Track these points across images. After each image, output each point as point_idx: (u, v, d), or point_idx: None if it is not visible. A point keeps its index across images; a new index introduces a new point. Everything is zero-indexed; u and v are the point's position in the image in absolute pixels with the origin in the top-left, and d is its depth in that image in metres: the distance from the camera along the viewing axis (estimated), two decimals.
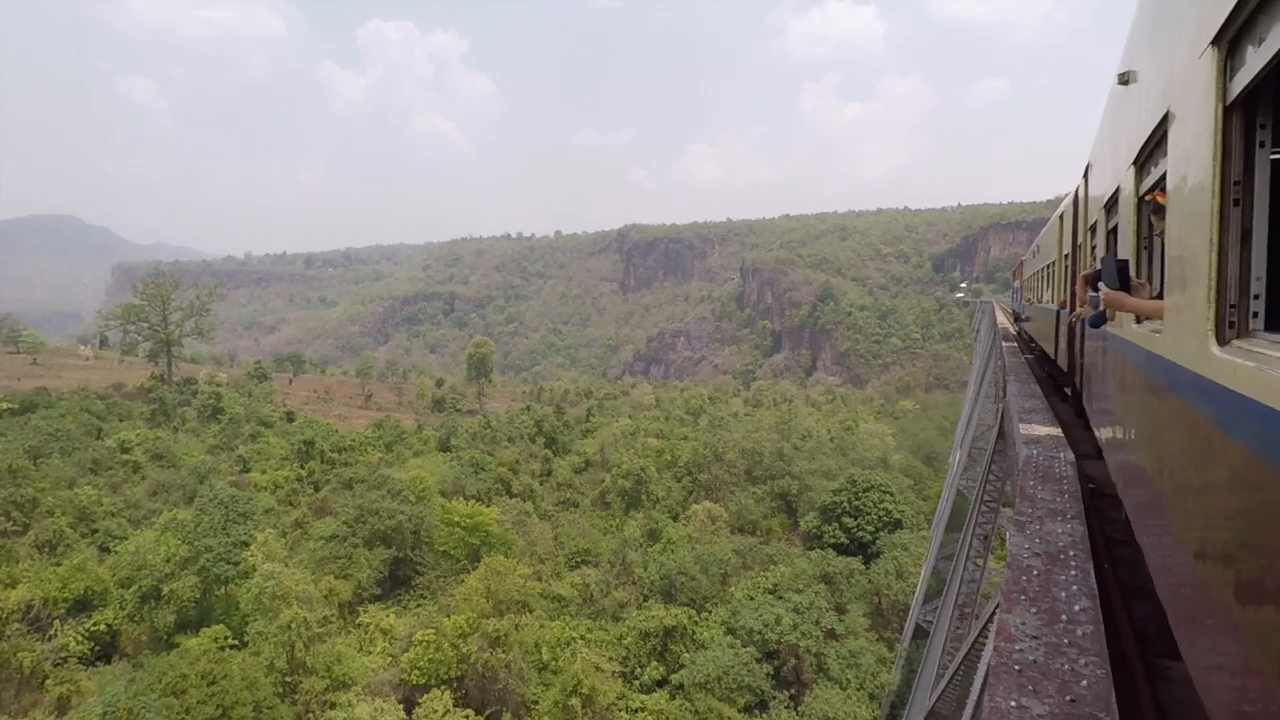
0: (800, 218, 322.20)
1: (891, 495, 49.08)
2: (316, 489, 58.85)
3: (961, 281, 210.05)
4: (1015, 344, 21.43)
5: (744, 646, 30.33)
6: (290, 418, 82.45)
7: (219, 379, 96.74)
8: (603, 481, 63.47)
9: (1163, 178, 3.71)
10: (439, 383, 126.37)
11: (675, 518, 53.68)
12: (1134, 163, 4.62)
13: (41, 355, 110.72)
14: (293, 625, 27.94)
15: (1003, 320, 32.26)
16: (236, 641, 31.01)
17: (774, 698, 28.72)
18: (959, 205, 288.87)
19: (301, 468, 62.33)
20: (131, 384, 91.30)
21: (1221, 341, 2.47)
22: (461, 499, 48.19)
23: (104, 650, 32.86)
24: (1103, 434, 5.97)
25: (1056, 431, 7.21)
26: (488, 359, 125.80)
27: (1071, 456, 5.98)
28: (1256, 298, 2.44)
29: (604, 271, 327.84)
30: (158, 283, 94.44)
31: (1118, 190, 5.66)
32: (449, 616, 30.79)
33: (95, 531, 43.54)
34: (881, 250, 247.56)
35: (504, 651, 28.03)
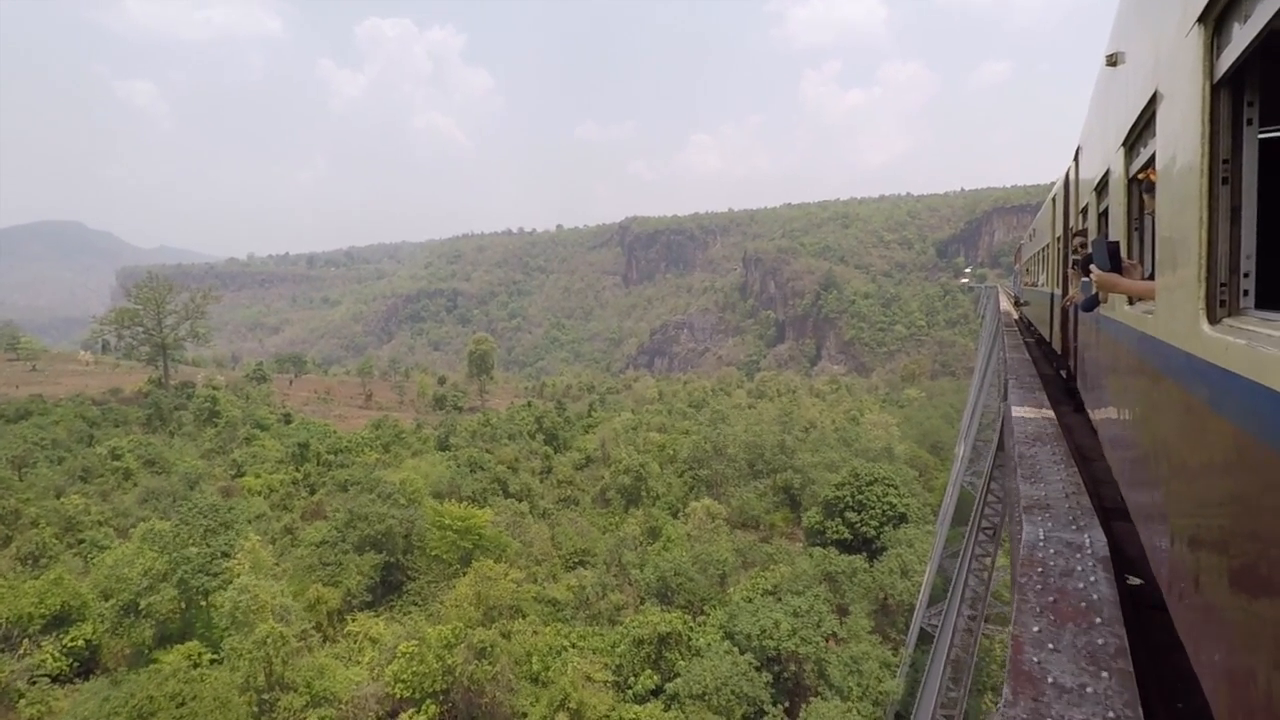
0: (802, 206, 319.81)
1: (896, 488, 47.67)
2: (312, 492, 57.94)
3: (966, 267, 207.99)
4: (1017, 332, 20.05)
5: (741, 654, 29.08)
6: (288, 419, 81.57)
7: (217, 382, 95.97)
8: (602, 478, 62.41)
9: (1152, 159, 3.64)
10: (441, 380, 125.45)
11: (676, 514, 52.52)
12: (1123, 144, 4.57)
13: (41, 361, 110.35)
14: (269, 640, 26.85)
15: (1006, 305, 30.93)
16: (217, 657, 30.00)
17: (767, 713, 27.40)
18: (962, 190, 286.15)
19: (296, 470, 61.41)
20: (129, 389, 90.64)
21: (1213, 320, 2.46)
22: (456, 500, 47.11)
23: (84, 667, 31.90)
24: (1097, 415, 5.90)
25: (1074, 478, 5.00)
26: (488, 355, 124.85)
27: (1101, 543, 3.86)
28: (1246, 276, 2.42)
29: (606, 265, 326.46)
30: (151, 286, 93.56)
31: (1108, 172, 5.56)
32: (434, 627, 29.64)
33: (81, 542, 42.65)
34: (884, 237, 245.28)
35: (490, 663, 26.88)
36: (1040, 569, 3.54)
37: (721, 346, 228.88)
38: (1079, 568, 3.53)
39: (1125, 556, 4.19)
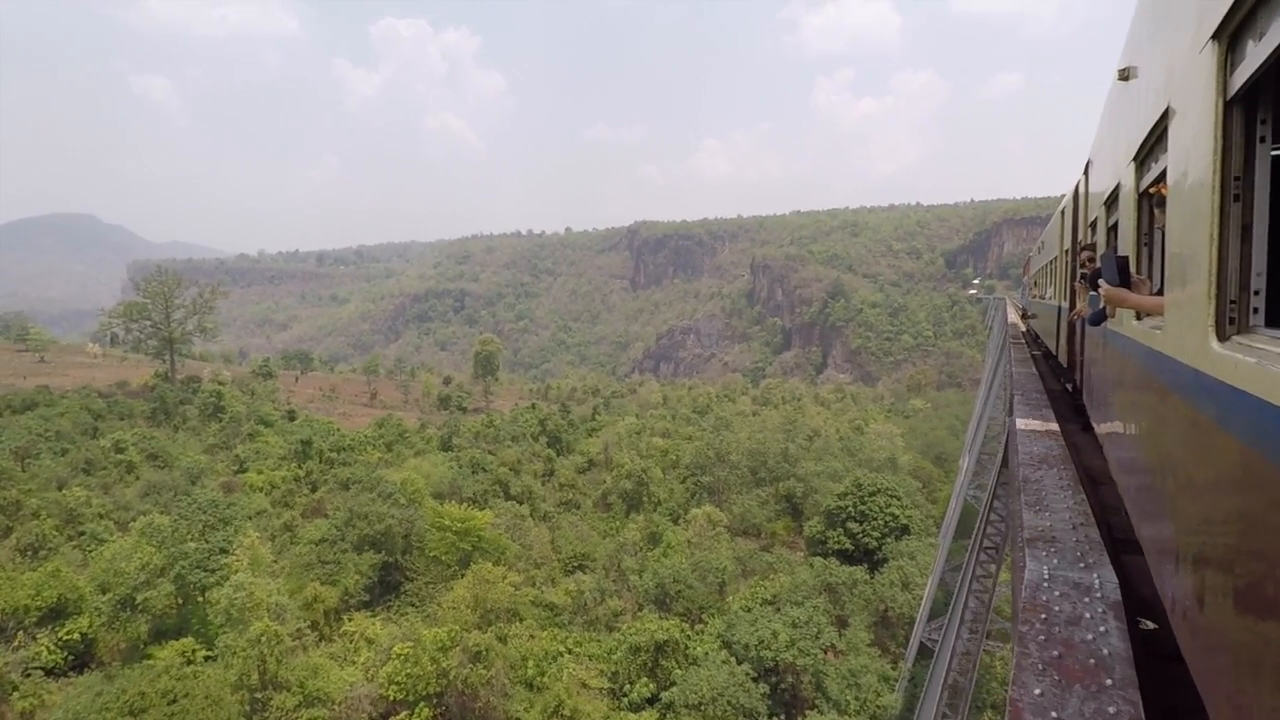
0: (811, 214, 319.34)
1: (898, 499, 47.26)
2: (314, 489, 57.89)
3: (974, 278, 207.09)
4: (1024, 345, 19.74)
5: (739, 664, 28.77)
6: (292, 416, 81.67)
7: (222, 377, 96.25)
8: (604, 483, 62.18)
9: (1163, 174, 3.63)
10: (446, 380, 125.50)
11: (676, 520, 52.23)
12: (1134, 159, 4.55)
13: (49, 353, 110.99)
14: (263, 639, 26.71)
15: (1014, 318, 30.62)
16: (212, 654, 29.86)
17: None
18: (972, 201, 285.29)
19: (299, 467, 61.41)
20: (136, 382, 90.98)
21: (1222, 338, 2.46)
22: (456, 502, 46.95)
23: (79, 660, 31.81)
24: (1103, 430, 5.85)
25: (1082, 507, 4.55)
26: (494, 357, 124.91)
27: (1113, 584, 3.47)
28: (1257, 293, 2.42)
29: (614, 268, 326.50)
30: (160, 280, 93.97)
31: (1118, 186, 5.57)
32: (428, 629, 29.43)
33: (82, 534, 42.66)
34: (893, 246, 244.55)
35: (485, 667, 26.66)
36: (1044, 615, 3.13)
37: (728, 353, 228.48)
38: (1087, 614, 3.15)
39: (1137, 595, 3.88)
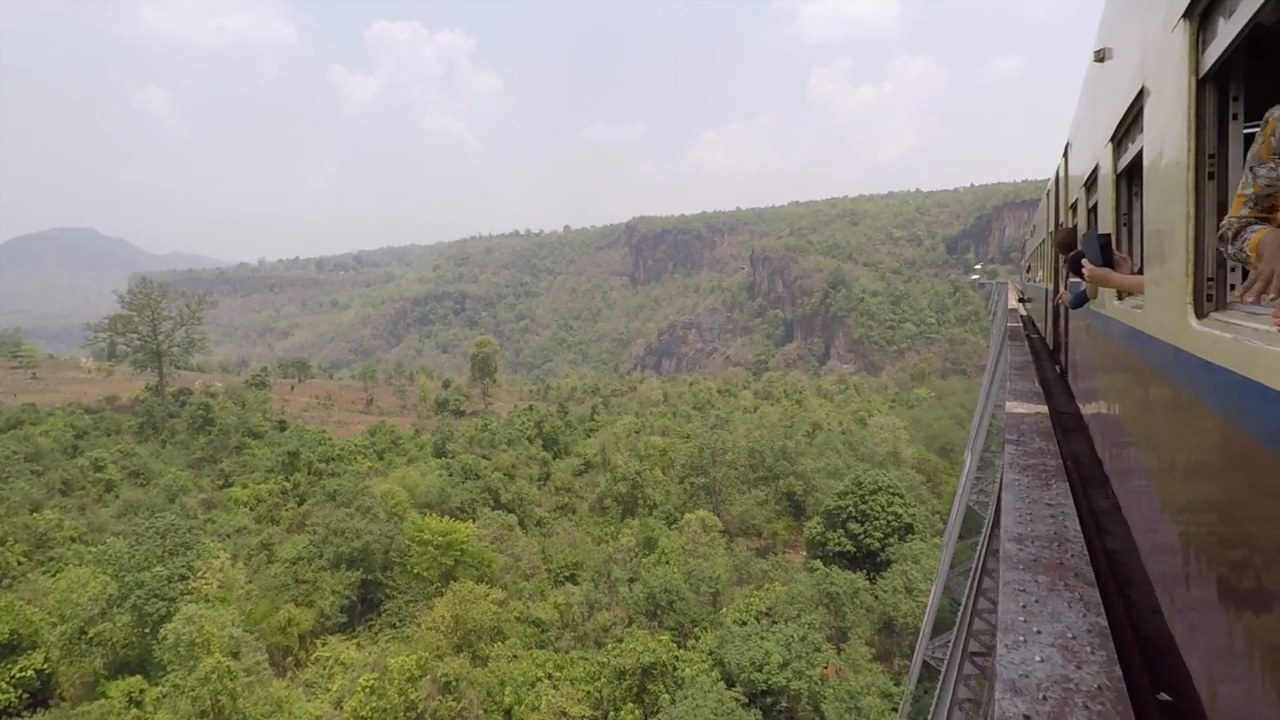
0: (810, 204, 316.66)
1: (901, 497, 45.13)
2: (301, 502, 56.17)
3: (976, 263, 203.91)
4: (1023, 343, 17.74)
5: (730, 686, 26.79)
6: (282, 426, 79.99)
7: (214, 388, 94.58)
8: (600, 485, 60.37)
9: (1140, 154, 3.70)
10: (445, 384, 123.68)
11: (673, 524, 50.32)
12: (1111, 139, 4.60)
13: (43, 369, 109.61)
14: (214, 676, 24.92)
15: (1014, 303, 28.61)
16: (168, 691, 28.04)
17: None
18: (972, 185, 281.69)
19: (286, 480, 59.73)
20: (126, 396, 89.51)
21: (1200, 315, 2.47)
22: (442, 512, 45.10)
23: (36, 698, 30.01)
24: (1087, 409, 5.82)
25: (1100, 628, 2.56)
26: (491, 358, 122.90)
27: None
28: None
29: (613, 265, 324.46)
30: (145, 292, 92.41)
31: (1096, 168, 5.61)
32: (395, 658, 27.53)
33: (52, 560, 41.03)
34: (893, 234, 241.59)
35: (455, 699, 24.84)
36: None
37: (730, 346, 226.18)
38: None
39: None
